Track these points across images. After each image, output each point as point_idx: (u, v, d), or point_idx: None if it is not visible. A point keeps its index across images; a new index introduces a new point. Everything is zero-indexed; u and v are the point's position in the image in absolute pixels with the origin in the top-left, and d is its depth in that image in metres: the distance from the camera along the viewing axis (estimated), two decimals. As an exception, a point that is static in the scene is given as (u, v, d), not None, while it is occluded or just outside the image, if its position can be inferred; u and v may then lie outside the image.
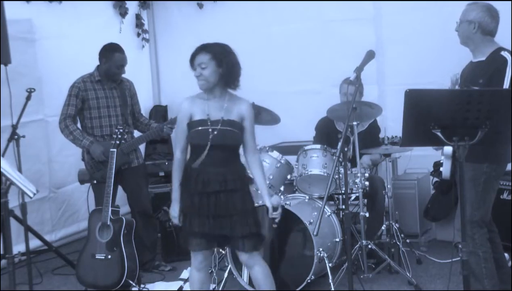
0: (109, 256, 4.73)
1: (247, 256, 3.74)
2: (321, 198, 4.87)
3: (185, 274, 5.09)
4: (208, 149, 3.61)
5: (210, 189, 3.63)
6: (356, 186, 4.81)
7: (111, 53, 5.15)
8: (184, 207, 3.72)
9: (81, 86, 5.14)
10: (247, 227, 3.66)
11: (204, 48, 3.67)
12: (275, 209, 3.73)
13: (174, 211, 3.75)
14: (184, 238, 3.76)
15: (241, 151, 3.83)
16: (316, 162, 4.85)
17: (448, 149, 3.93)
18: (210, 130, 3.63)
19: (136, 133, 5.45)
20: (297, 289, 4.53)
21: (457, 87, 4.09)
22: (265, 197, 3.76)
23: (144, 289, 4.88)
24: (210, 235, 3.68)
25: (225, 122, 3.66)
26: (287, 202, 4.69)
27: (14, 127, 4.89)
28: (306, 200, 4.89)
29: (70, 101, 5.13)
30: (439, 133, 3.18)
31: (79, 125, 5.23)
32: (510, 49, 3.95)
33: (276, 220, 3.82)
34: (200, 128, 3.65)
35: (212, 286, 4.62)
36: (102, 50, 5.20)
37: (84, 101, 5.14)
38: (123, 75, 5.31)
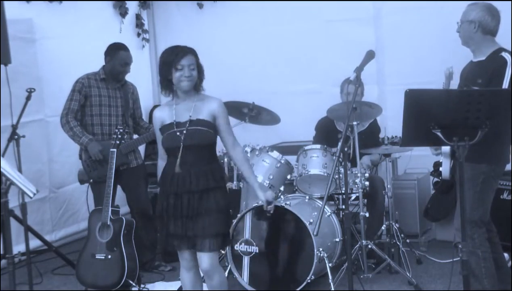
0: (109, 256, 4.73)
1: (209, 259, 3.66)
2: (321, 198, 4.87)
3: (185, 274, 5.10)
4: (181, 150, 3.63)
5: (185, 189, 3.63)
6: (356, 186, 4.81)
7: (116, 51, 5.17)
8: (160, 210, 3.72)
9: (85, 82, 5.15)
10: (215, 227, 3.64)
11: (190, 51, 3.68)
12: (269, 203, 3.73)
13: None
14: (165, 240, 3.74)
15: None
16: (316, 162, 4.86)
17: (447, 148, 3.93)
18: (178, 133, 3.66)
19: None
20: (297, 289, 4.53)
21: (452, 82, 4.09)
22: (257, 190, 3.74)
23: (144, 289, 4.88)
24: (187, 236, 3.66)
25: (193, 122, 3.67)
26: (287, 202, 4.69)
27: (14, 127, 4.89)
28: (306, 200, 4.89)
29: (73, 96, 5.14)
30: (439, 133, 3.18)
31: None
32: (511, 50, 3.95)
33: (270, 213, 3.84)
34: (169, 132, 3.69)
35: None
36: (107, 49, 5.23)
37: (86, 98, 5.15)
38: (127, 78, 5.32)
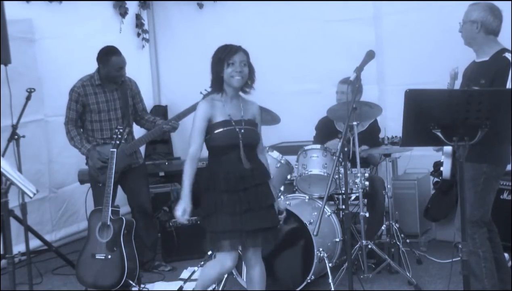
0: (109, 256, 4.73)
1: (255, 252, 3.75)
2: (321, 198, 4.87)
3: (185, 274, 5.10)
4: (243, 147, 3.66)
5: (242, 186, 3.65)
6: (356, 186, 4.81)
7: (108, 58, 5.09)
8: (209, 209, 3.67)
9: (81, 91, 5.11)
10: (272, 219, 3.72)
11: (242, 49, 3.73)
12: (280, 212, 3.79)
13: (181, 207, 3.66)
14: (212, 241, 3.70)
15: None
16: (316, 162, 4.86)
17: (448, 148, 3.93)
18: (237, 130, 3.67)
19: (142, 131, 5.45)
20: (297, 289, 4.53)
21: (456, 82, 4.09)
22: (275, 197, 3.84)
23: (144, 289, 4.88)
24: (243, 231, 3.65)
25: (247, 122, 3.74)
26: (287, 202, 4.69)
27: (14, 127, 4.89)
28: (306, 200, 4.89)
29: (71, 105, 5.14)
30: (439, 133, 3.18)
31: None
32: (511, 50, 3.95)
33: (280, 222, 3.86)
34: (226, 128, 3.68)
35: (212, 286, 4.62)
36: (99, 54, 5.15)
37: (84, 106, 5.13)
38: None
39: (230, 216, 3.63)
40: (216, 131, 3.68)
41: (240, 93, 3.78)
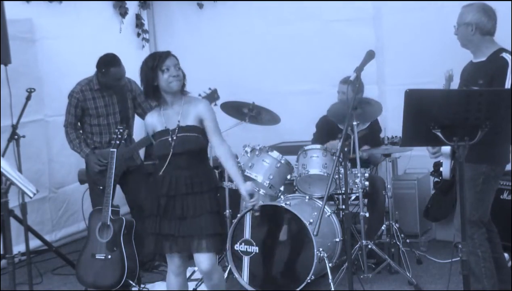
0: (109, 256, 4.73)
1: (208, 260, 3.68)
2: (321, 198, 4.87)
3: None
4: (171, 156, 3.65)
5: (177, 191, 3.65)
6: (356, 186, 4.81)
7: (107, 69, 5.06)
8: (152, 211, 3.72)
9: (80, 96, 5.11)
10: (211, 227, 3.65)
11: (171, 54, 3.71)
12: (251, 196, 3.64)
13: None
14: (156, 242, 3.73)
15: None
16: (316, 162, 4.85)
17: (447, 149, 3.93)
18: (169, 139, 3.66)
19: (142, 134, 5.44)
20: (297, 289, 4.53)
21: (451, 83, 4.09)
22: (240, 185, 3.69)
23: (144, 289, 4.88)
24: (182, 237, 3.66)
25: (181, 129, 3.68)
26: (287, 202, 4.69)
27: (14, 127, 4.89)
28: (306, 200, 4.89)
29: (70, 110, 5.14)
30: (439, 133, 3.17)
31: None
32: (511, 50, 3.95)
33: (256, 208, 3.68)
34: (161, 139, 3.71)
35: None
36: (98, 63, 5.11)
37: (83, 110, 5.14)
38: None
39: (168, 220, 3.66)
40: (156, 141, 3.75)
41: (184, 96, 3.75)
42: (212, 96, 4.74)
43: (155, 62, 3.65)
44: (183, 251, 3.74)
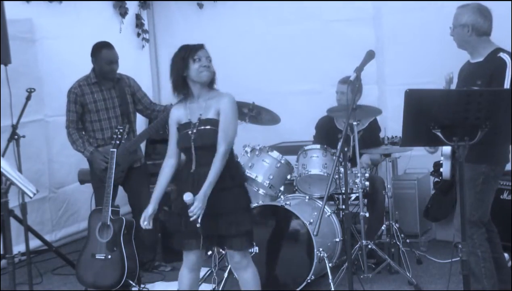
0: (109, 256, 4.72)
1: (240, 256, 3.70)
2: (321, 198, 4.87)
3: (185, 274, 5.09)
4: (194, 150, 3.63)
5: (190, 188, 3.59)
6: (356, 186, 4.81)
7: (98, 51, 5.10)
8: (177, 208, 3.71)
9: (78, 91, 5.11)
10: (240, 225, 3.64)
11: (203, 46, 3.72)
12: (188, 206, 3.49)
13: (146, 211, 3.75)
14: (177, 239, 3.74)
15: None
16: (316, 162, 4.86)
17: (447, 149, 3.92)
18: (189, 133, 3.65)
19: (144, 126, 5.46)
20: (297, 289, 4.53)
21: (451, 86, 4.09)
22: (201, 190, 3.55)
23: (144, 289, 4.88)
24: (204, 235, 3.62)
25: (201, 122, 3.66)
26: (287, 202, 4.69)
27: (14, 127, 4.89)
28: (306, 200, 4.89)
29: (70, 107, 5.14)
30: (439, 133, 3.18)
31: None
32: (511, 50, 3.94)
33: (193, 219, 3.48)
34: (182, 132, 3.70)
35: (212, 286, 4.62)
36: (92, 49, 5.16)
37: (83, 106, 5.13)
38: (122, 72, 5.29)
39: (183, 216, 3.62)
40: (179, 135, 3.72)
41: (210, 89, 3.73)
42: None
43: (187, 52, 3.66)
44: (202, 248, 3.72)
